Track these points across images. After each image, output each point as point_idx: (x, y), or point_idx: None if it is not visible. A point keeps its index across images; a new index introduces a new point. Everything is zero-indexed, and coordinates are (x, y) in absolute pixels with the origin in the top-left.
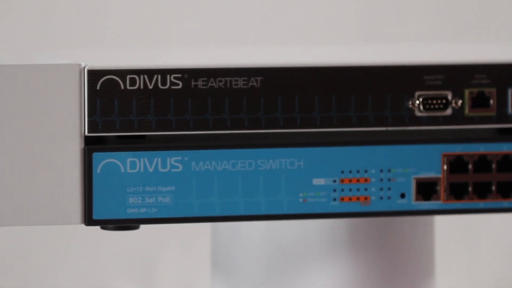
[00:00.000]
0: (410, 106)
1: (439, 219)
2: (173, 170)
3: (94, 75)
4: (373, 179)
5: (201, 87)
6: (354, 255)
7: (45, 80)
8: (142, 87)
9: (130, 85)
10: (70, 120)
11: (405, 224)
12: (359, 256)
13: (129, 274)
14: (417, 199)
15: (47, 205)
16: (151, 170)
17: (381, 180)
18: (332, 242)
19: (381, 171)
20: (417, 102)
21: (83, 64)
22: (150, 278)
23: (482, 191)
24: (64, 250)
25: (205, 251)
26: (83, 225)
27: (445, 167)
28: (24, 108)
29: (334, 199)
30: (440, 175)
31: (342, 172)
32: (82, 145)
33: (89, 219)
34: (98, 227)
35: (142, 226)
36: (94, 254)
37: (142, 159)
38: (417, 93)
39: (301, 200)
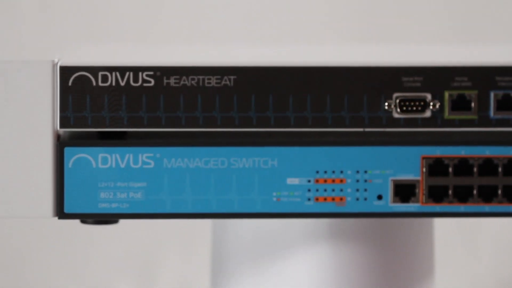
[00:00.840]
0: (387, 107)
1: (439, 219)
2: (145, 166)
3: (66, 71)
4: (349, 180)
5: (173, 85)
6: (356, 253)
7: (18, 76)
8: (114, 84)
9: (102, 82)
10: (43, 115)
11: (404, 223)
12: (360, 255)
13: (129, 274)
14: (394, 201)
15: (20, 198)
16: (122, 166)
17: (357, 181)
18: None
19: (357, 172)
20: (393, 103)
21: (56, 60)
22: (150, 278)
23: (462, 195)
24: (64, 250)
25: (205, 252)
26: (79, 224)
27: (424, 169)
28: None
29: (309, 199)
30: (419, 178)
31: (317, 172)
32: (55, 140)
33: (60, 213)
34: (109, 223)
35: (142, 226)
36: (94, 254)
37: (113, 155)
38: (395, 95)
39: (274, 199)
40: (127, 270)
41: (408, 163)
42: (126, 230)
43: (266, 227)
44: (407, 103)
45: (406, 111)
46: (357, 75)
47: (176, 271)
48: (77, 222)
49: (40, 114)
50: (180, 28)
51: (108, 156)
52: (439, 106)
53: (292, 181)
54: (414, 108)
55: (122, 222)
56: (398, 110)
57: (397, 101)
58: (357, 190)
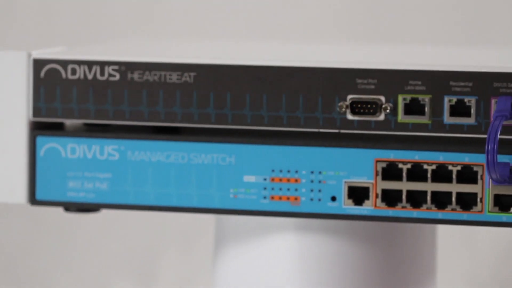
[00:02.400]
0: (338, 109)
1: None
2: (110, 158)
3: (38, 63)
4: (303, 180)
5: (137, 79)
6: (357, 255)
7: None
8: (82, 77)
9: (71, 75)
10: (18, 104)
11: (407, 227)
12: (361, 257)
13: (129, 274)
14: (347, 204)
15: None
16: (89, 156)
17: (312, 181)
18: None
19: (312, 172)
20: (345, 105)
21: (30, 53)
22: (150, 278)
23: (416, 200)
24: (64, 250)
25: (205, 252)
26: (79, 224)
27: (377, 173)
28: None
29: (264, 197)
30: (372, 181)
31: (273, 171)
32: (29, 129)
33: (32, 199)
34: (102, 218)
35: (141, 226)
36: (94, 254)
37: (81, 146)
38: (349, 97)
39: (231, 195)
40: (127, 270)
41: (361, 166)
42: (126, 230)
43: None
44: (359, 105)
45: (359, 113)
46: (312, 75)
47: (176, 271)
48: (77, 222)
49: (15, 103)
50: (173, 22)
51: (76, 146)
52: (392, 109)
53: (248, 178)
54: (366, 111)
55: (122, 222)
56: (350, 112)
57: (349, 103)
58: (312, 190)
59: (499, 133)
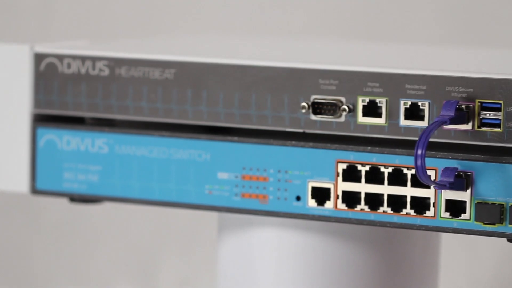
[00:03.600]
0: (301, 109)
1: None
2: (100, 151)
3: (39, 57)
4: (271, 179)
5: (124, 75)
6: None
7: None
8: (76, 71)
9: (67, 69)
10: (21, 96)
11: (411, 233)
12: (363, 262)
13: (129, 274)
14: (311, 204)
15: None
16: (82, 149)
17: (279, 180)
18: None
19: (279, 171)
20: (307, 105)
21: (33, 47)
22: (150, 278)
23: (373, 203)
24: (64, 250)
25: (205, 252)
26: (79, 224)
27: (338, 174)
28: None
29: (236, 194)
30: (333, 182)
31: (244, 168)
32: (31, 121)
33: (33, 189)
34: (103, 218)
35: (141, 226)
36: (94, 254)
37: (75, 138)
38: (312, 97)
39: (207, 191)
40: (127, 270)
41: (324, 167)
42: (126, 230)
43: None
44: (321, 106)
45: (320, 114)
46: (278, 75)
47: (176, 271)
48: (76, 221)
49: (18, 95)
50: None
51: (71, 139)
52: (352, 110)
53: (222, 175)
54: (327, 112)
55: (122, 221)
56: (312, 112)
57: (311, 103)
58: (279, 189)
59: (429, 138)
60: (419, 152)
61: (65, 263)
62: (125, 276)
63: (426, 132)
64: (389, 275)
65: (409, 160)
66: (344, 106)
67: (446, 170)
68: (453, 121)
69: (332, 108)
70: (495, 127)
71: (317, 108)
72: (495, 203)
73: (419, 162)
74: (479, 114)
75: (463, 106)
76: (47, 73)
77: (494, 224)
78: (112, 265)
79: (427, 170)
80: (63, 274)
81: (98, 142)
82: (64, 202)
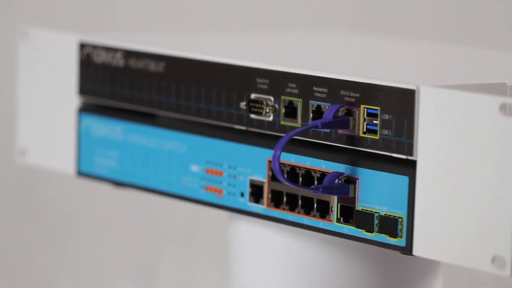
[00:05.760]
0: (242, 107)
1: None
2: (118, 138)
3: (83, 47)
4: (225, 174)
5: (136, 66)
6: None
7: (52, 49)
8: (105, 61)
9: (98, 58)
10: (68, 83)
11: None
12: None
13: (129, 274)
14: (251, 200)
15: (54, 155)
16: (109, 136)
17: (229, 176)
18: None
19: (230, 167)
20: (243, 104)
21: (80, 37)
22: (150, 278)
23: (292, 204)
24: (64, 250)
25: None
26: (79, 224)
27: (269, 173)
28: (39, 74)
29: (202, 187)
30: (265, 180)
31: (207, 162)
32: (78, 107)
33: (77, 171)
34: (103, 218)
35: (142, 226)
36: (94, 254)
37: (104, 126)
38: (251, 96)
39: (184, 183)
40: (127, 270)
41: (260, 165)
42: (126, 230)
43: None
44: (255, 105)
45: (254, 113)
46: (226, 72)
47: (176, 271)
48: (76, 221)
49: (66, 81)
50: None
51: (102, 126)
52: (277, 110)
53: (193, 168)
54: (256, 110)
55: (122, 221)
56: (247, 111)
57: (247, 102)
58: (229, 184)
59: (287, 141)
60: (277, 153)
61: (65, 263)
62: (125, 276)
63: (287, 136)
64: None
65: (316, 162)
66: (269, 107)
67: (332, 174)
68: (331, 125)
69: (261, 108)
70: (373, 134)
71: (252, 107)
72: (368, 211)
73: (275, 164)
74: (364, 120)
75: (352, 111)
76: (90, 62)
77: (371, 232)
78: (112, 265)
79: (282, 171)
80: (63, 274)
81: (117, 129)
82: (64, 202)
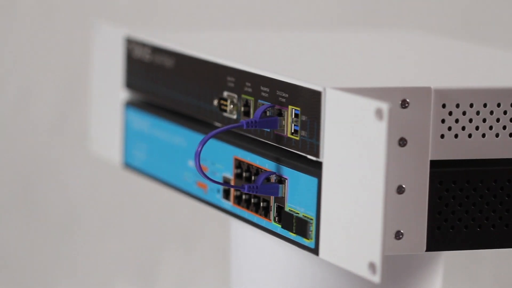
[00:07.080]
0: (215, 104)
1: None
2: (147, 132)
3: (129, 43)
4: (209, 169)
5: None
6: None
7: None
8: (140, 57)
9: (136, 53)
10: (116, 76)
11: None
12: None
13: (129, 274)
14: (223, 196)
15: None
16: (142, 130)
17: (212, 172)
18: None
19: (212, 163)
20: (215, 102)
21: (126, 33)
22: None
23: (248, 202)
24: (64, 250)
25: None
26: (79, 224)
27: (235, 170)
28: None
29: (195, 182)
30: (232, 178)
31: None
32: (122, 100)
33: (123, 163)
34: (103, 217)
35: (142, 226)
36: (94, 254)
37: (140, 120)
38: (224, 93)
39: (184, 178)
40: (127, 270)
41: (229, 162)
42: (126, 230)
43: None
44: (222, 102)
45: (223, 111)
46: (208, 70)
47: (176, 271)
48: (77, 221)
49: (114, 75)
50: None
51: (140, 120)
52: (238, 109)
53: (191, 163)
54: (224, 108)
55: (122, 221)
56: (218, 108)
57: (218, 99)
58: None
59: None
60: (198, 149)
61: (65, 262)
62: (125, 276)
63: (210, 134)
64: None
65: (263, 161)
66: (234, 105)
67: (263, 174)
68: (258, 124)
69: (227, 105)
70: (296, 135)
71: (221, 104)
72: (292, 212)
73: (196, 160)
74: (292, 121)
75: (283, 111)
76: (134, 58)
77: (293, 233)
78: (112, 265)
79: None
80: (63, 274)
81: (147, 124)
82: (64, 201)
